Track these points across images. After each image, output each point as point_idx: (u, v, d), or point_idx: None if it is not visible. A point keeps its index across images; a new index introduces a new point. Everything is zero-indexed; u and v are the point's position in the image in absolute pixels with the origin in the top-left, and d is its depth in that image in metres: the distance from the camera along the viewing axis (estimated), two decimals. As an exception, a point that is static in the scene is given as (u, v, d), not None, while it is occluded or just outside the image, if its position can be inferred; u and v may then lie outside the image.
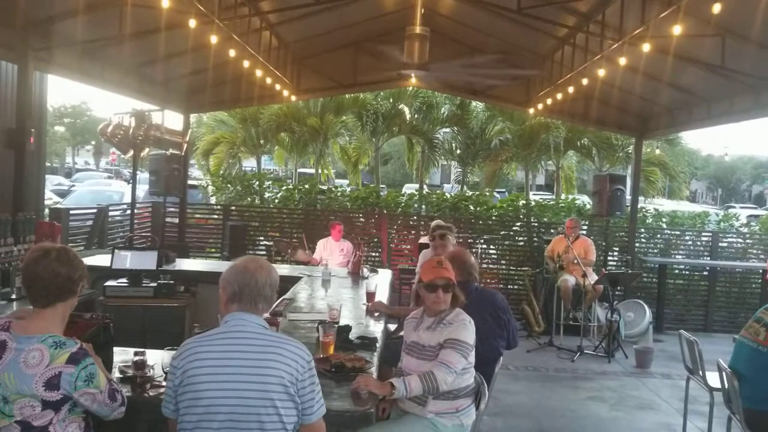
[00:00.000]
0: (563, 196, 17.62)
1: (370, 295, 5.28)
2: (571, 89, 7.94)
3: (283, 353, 2.52)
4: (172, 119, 8.99)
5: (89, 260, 6.72)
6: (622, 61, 6.32)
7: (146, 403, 2.86)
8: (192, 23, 5.75)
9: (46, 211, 9.23)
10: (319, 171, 20.50)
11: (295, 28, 8.51)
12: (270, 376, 2.46)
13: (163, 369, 3.09)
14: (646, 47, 5.66)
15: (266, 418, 2.45)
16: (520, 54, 8.96)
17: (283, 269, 7.47)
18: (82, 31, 6.41)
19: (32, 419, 2.39)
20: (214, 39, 6.22)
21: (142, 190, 13.06)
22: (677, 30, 5.12)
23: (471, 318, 3.54)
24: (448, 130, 19.89)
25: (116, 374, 3.09)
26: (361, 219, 11.34)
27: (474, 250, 9.81)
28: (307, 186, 12.48)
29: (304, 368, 2.54)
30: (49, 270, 2.50)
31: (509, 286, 10.49)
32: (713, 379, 4.76)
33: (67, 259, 2.55)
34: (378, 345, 3.93)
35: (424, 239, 8.30)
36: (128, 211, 9.40)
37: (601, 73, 6.85)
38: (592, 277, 8.49)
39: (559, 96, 8.47)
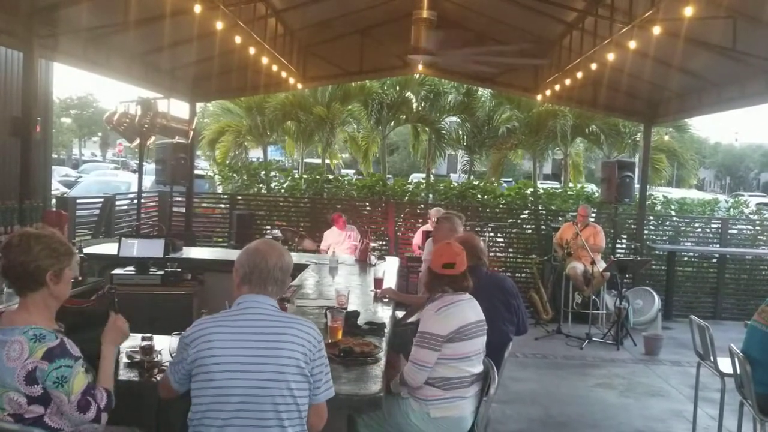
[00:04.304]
0: (571, 184, 17.53)
1: (378, 282, 5.26)
2: (579, 75, 7.84)
3: (295, 333, 2.50)
4: (178, 109, 8.96)
5: (96, 249, 6.72)
6: (632, 45, 6.23)
7: (153, 387, 2.84)
8: (197, 9, 5.69)
9: (53, 200, 9.26)
10: (327, 160, 20.45)
11: (300, 14, 8.44)
12: (285, 357, 2.44)
13: (170, 354, 3.07)
14: (656, 30, 5.57)
15: (281, 399, 2.43)
16: (527, 40, 8.87)
17: (290, 257, 7.44)
18: (87, 17, 6.37)
19: (23, 413, 2.34)
20: (219, 25, 6.18)
21: (149, 180, 13.05)
22: (688, 12, 5.03)
23: (444, 306, 3.46)
24: (455, 118, 19.80)
25: (124, 359, 3.07)
26: (368, 208, 11.31)
27: (482, 238, 9.74)
28: (313, 175, 12.45)
29: (316, 347, 2.53)
30: (10, 259, 2.43)
31: (517, 274, 10.43)
32: (724, 364, 4.71)
33: (27, 248, 2.42)
34: (386, 330, 3.91)
35: (426, 227, 8.30)
36: (135, 201, 9.39)
37: (610, 57, 6.74)
38: (601, 264, 8.45)
39: (568, 82, 8.38)
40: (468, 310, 3.51)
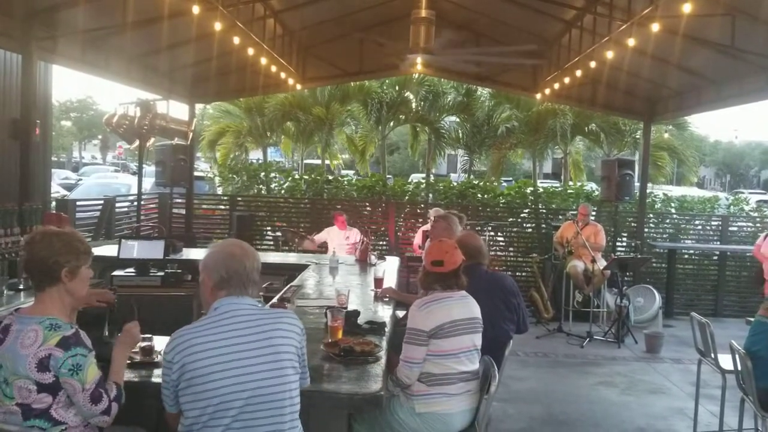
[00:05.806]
0: (571, 183, 17.53)
1: (378, 281, 5.25)
2: (578, 73, 7.85)
3: (285, 327, 2.51)
4: (177, 110, 8.97)
5: (96, 250, 6.65)
6: (631, 42, 6.23)
7: (154, 388, 2.83)
8: (195, 10, 5.69)
9: (53, 203, 9.25)
10: (327, 161, 20.46)
11: (299, 15, 8.44)
12: (283, 353, 2.44)
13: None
14: (655, 27, 5.58)
15: (281, 395, 2.42)
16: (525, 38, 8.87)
17: (290, 258, 7.47)
18: (85, 19, 6.37)
19: (31, 402, 2.37)
20: (218, 26, 6.17)
21: (149, 182, 13.06)
22: (687, 9, 5.04)
23: (427, 302, 3.48)
24: (454, 118, 19.80)
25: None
26: (368, 208, 11.30)
27: (482, 237, 9.72)
28: (313, 175, 12.46)
29: (302, 336, 2.57)
30: (31, 254, 2.51)
31: (517, 273, 10.43)
32: (725, 361, 4.71)
33: (48, 244, 2.50)
34: (386, 330, 3.90)
35: (426, 227, 8.30)
36: (135, 203, 9.40)
37: (609, 55, 6.75)
38: (601, 263, 8.45)
39: (567, 80, 8.39)
40: (455, 307, 3.48)
